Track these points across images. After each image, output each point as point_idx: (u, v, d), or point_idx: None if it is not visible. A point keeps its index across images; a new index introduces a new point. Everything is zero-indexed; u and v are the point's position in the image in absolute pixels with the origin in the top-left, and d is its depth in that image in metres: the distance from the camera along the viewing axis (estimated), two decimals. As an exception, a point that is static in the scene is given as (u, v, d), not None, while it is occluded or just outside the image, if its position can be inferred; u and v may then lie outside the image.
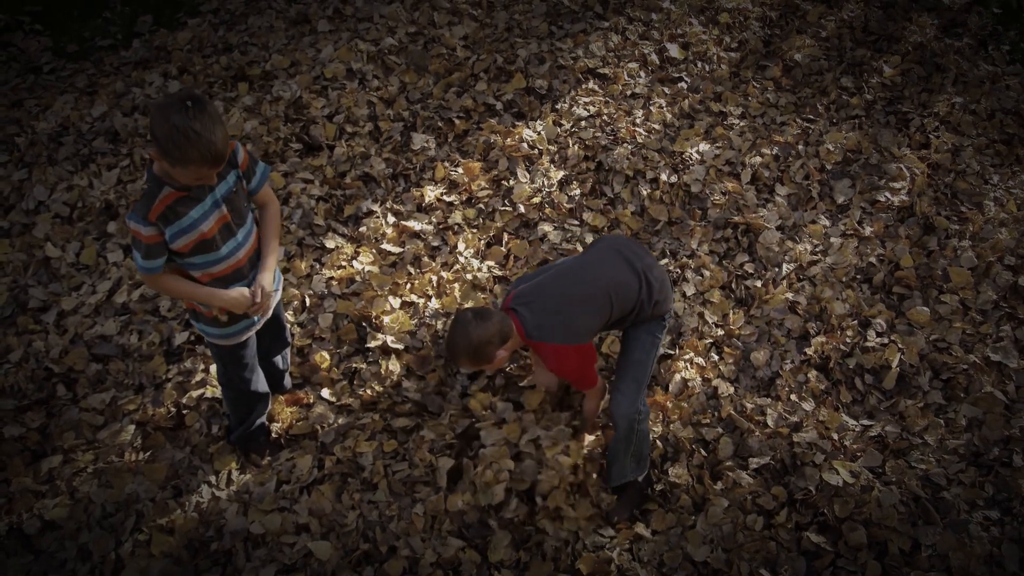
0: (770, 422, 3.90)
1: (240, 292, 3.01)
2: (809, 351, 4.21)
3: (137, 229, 2.78)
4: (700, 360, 4.14)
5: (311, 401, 3.94)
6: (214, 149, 2.59)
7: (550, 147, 5.05)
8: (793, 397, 4.02)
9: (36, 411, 3.87)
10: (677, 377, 4.07)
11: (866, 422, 3.94)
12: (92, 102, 5.32)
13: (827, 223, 4.80)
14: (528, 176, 4.87)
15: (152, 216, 2.77)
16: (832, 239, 4.69)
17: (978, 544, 3.47)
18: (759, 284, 4.47)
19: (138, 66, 5.60)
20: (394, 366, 3.99)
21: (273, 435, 3.82)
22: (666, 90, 5.55)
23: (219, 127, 2.60)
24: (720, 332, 4.28)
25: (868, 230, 4.75)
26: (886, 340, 4.26)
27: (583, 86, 5.51)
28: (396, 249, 4.43)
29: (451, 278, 4.33)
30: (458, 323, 3.22)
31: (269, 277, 3.11)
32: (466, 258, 4.43)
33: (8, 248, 4.52)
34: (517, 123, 5.22)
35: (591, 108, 5.32)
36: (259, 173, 3.01)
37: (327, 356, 4.08)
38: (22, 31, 5.97)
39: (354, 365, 4.08)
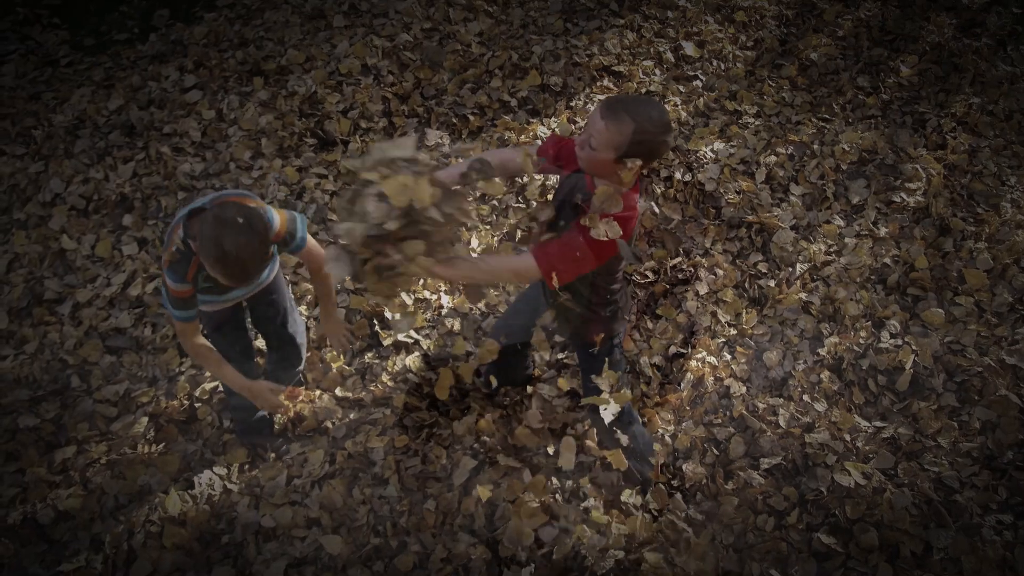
0: (782, 422, 3.89)
1: (263, 389, 3.13)
2: (822, 352, 4.19)
3: (174, 287, 2.94)
4: (712, 359, 4.14)
5: (317, 397, 3.95)
6: (252, 278, 2.75)
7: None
8: (806, 398, 4.01)
9: (50, 402, 3.89)
10: (689, 376, 4.06)
11: (879, 424, 3.93)
12: (109, 95, 5.34)
13: (842, 223, 4.78)
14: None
15: (189, 276, 2.94)
16: (847, 239, 4.68)
17: (991, 548, 3.46)
18: (773, 284, 4.45)
19: (154, 60, 5.62)
20: (407, 362, 4.00)
21: (281, 427, 3.84)
22: (681, 88, 5.54)
23: (263, 248, 2.72)
24: (733, 331, 4.27)
25: (883, 231, 4.73)
26: (900, 342, 4.24)
27: (598, 83, 5.50)
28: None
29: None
30: (654, 103, 2.74)
31: (336, 318, 3.41)
32: (479, 255, 4.43)
33: (24, 240, 4.54)
34: (532, 120, 5.22)
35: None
36: (299, 234, 3.10)
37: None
38: (40, 24, 6.00)
39: (366, 360, 4.09)
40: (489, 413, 3.77)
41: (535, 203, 3.49)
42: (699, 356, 4.15)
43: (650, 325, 4.29)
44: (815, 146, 5.18)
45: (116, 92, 5.33)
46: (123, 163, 4.92)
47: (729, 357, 4.18)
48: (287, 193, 4.74)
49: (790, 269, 4.53)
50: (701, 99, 5.45)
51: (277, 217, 3.03)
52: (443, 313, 4.18)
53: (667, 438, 3.84)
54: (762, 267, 4.54)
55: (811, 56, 5.84)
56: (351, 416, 3.88)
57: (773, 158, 5.06)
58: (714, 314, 4.35)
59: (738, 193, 4.86)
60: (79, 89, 5.39)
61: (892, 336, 4.27)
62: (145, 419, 3.82)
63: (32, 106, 5.28)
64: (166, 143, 5.00)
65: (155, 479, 3.61)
